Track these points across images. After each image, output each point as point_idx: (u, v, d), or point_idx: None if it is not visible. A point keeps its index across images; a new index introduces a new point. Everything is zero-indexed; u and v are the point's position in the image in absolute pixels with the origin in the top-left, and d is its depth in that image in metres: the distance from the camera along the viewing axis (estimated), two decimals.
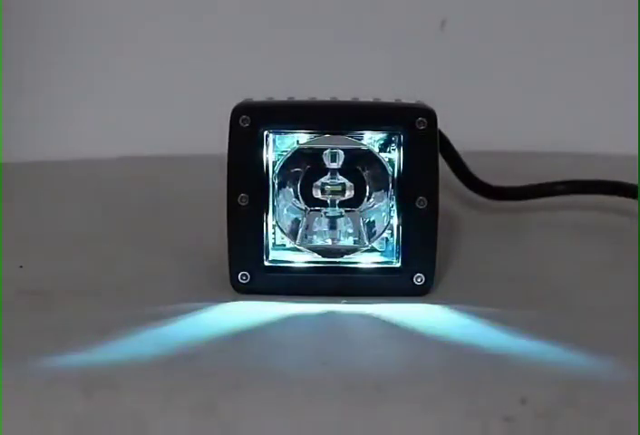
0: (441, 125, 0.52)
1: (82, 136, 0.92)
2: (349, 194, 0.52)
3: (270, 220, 0.52)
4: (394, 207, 0.52)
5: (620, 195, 0.65)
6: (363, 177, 0.52)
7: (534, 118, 0.93)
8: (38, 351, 0.45)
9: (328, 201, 0.52)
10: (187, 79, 0.92)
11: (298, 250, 0.53)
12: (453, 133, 0.62)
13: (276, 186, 0.52)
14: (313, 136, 0.52)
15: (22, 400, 0.42)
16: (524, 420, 0.41)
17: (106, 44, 0.91)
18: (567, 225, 0.68)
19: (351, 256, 0.52)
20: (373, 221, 0.52)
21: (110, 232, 0.65)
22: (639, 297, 0.52)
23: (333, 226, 0.53)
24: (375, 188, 0.52)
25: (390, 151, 0.52)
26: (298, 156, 0.52)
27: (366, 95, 0.53)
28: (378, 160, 0.52)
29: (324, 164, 0.52)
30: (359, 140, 0.52)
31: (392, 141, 0.52)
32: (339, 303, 0.51)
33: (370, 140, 0.52)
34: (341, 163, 0.52)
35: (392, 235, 0.52)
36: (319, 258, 0.52)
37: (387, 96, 0.53)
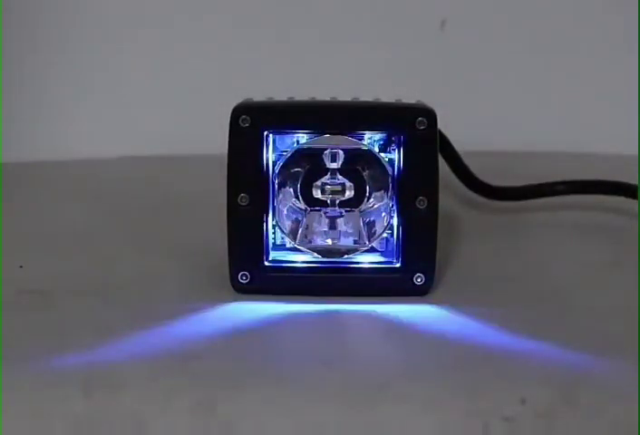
0: (441, 125, 0.52)
1: (82, 136, 0.92)
2: (349, 194, 0.52)
3: (270, 220, 0.52)
4: (394, 207, 0.52)
5: (620, 195, 0.65)
6: (363, 177, 0.52)
7: (534, 118, 0.93)
8: (38, 351, 0.45)
9: (328, 201, 0.52)
10: (187, 79, 0.92)
11: (298, 250, 0.53)
12: (453, 133, 0.62)
13: (276, 186, 0.52)
14: (313, 136, 0.52)
15: (22, 400, 0.42)
16: (524, 420, 0.41)
17: (106, 44, 0.91)
18: (567, 225, 0.68)
19: (351, 256, 0.52)
20: (373, 221, 0.53)
21: (110, 232, 0.65)
22: (639, 297, 0.52)
23: (333, 226, 0.53)
24: (375, 188, 0.52)
25: (390, 151, 0.52)
26: (298, 156, 0.52)
27: (366, 95, 0.53)
28: (378, 160, 0.52)
29: (325, 164, 0.52)
30: (359, 140, 0.52)
31: (392, 141, 0.52)
32: (339, 303, 0.51)
33: (370, 140, 0.52)
34: (341, 163, 0.52)
35: (392, 235, 0.52)
36: (319, 258, 0.52)
37: (387, 96, 0.53)
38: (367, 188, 0.52)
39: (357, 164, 0.52)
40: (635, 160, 0.79)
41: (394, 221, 0.52)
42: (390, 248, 0.53)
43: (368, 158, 0.52)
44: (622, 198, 0.65)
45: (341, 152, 0.52)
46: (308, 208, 0.52)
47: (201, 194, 0.69)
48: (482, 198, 0.68)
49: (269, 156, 0.52)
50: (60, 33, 0.91)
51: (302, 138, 0.52)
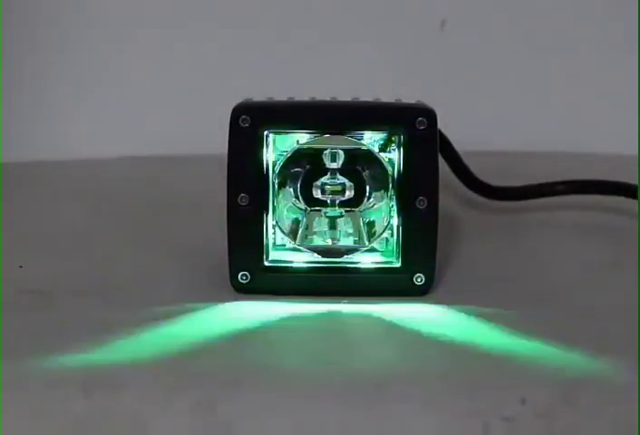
0: (441, 125, 0.52)
1: (82, 136, 0.92)
2: (349, 194, 0.52)
3: (270, 220, 0.52)
4: (394, 207, 0.52)
5: (620, 195, 0.65)
6: (362, 177, 0.52)
7: (534, 118, 0.93)
8: (38, 351, 0.45)
9: (328, 201, 0.52)
10: (187, 79, 0.92)
11: (298, 250, 0.53)
12: (453, 133, 0.62)
13: (276, 186, 0.52)
14: (313, 136, 0.52)
15: (22, 400, 0.42)
16: (524, 420, 0.41)
17: (106, 44, 0.91)
18: (567, 225, 0.68)
19: (351, 256, 0.52)
20: (373, 221, 0.52)
21: (110, 232, 0.65)
22: (639, 297, 0.52)
23: (333, 226, 0.53)
24: (375, 188, 0.52)
25: (390, 151, 0.52)
26: (298, 156, 0.52)
27: (366, 95, 0.53)
28: (378, 160, 0.52)
29: (324, 164, 0.52)
30: (359, 140, 0.52)
31: (392, 141, 0.52)
32: (339, 303, 0.51)
33: (370, 140, 0.52)
34: (341, 163, 0.52)
35: (392, 235, 0.52)
36: (319, 258, 0.52)
37: (387, 96, 0.53)
38: (367, 187, 0.52)
39: (357, 164, 0.52)
40: (635, 160, 0.79)
41: (394, 221, 0.52)
42: (390, 248, 0.53)
43: (368, 158, 0.52)
44: (622, 198, 0.65)
45: (341, 152, 0.52)
46: (308, 208, 0.52)
47: (201, 194, 0.69)
48: (482, 198, 0.68)
49: (269, 156, 0.52)
50: (60, 33, 0.91)
51: (302, 138, 0.52)
